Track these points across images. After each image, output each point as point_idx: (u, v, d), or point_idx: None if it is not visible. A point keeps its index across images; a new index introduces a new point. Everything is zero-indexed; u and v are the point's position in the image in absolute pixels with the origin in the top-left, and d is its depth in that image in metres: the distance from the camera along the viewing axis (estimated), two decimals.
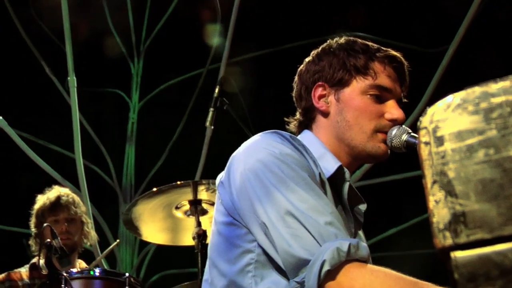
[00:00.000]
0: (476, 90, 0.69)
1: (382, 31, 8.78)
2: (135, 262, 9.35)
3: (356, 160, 1.83)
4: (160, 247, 8.15)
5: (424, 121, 0.71)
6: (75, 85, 5.94)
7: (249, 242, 1.62)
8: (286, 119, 1.96)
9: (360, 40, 1.89)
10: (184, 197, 3.42)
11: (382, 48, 1.87)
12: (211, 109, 3.71)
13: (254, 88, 7.64)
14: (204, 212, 3.47)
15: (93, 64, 9.35)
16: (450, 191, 0.67)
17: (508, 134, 0.67)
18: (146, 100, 10.27)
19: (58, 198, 3.90)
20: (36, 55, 8.88)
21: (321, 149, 1.79)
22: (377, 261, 1.52)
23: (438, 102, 0.71)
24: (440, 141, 0.69)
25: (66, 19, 5.85)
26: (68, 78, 5.97)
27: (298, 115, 1.92)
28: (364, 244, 1.48)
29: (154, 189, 3.36)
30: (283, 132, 1.72)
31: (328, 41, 1.92)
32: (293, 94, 1.95)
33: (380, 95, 1.81)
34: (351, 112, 1.79)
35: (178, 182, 3.34)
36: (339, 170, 1.76)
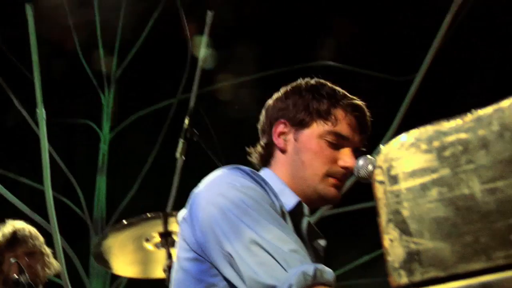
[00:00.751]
0: (429, 129, 0.71)
1: (352, 61, 8.88)
2: None
3: (309, 200, 1.86)
4: (131, 280, 8.06)
5: (379, 160, 0.72)
6: (44, 117, 5.90)
7: (213, 276, 1.63)
8: (247, 149, 1.99)
9: (329, 85, 1.93)
10: (154, 229, 3.39)
11: (348, 95, 1.91)
12: (181, 140, 3.71)
13: (226, 118, 7.64)
14: (175, 244, 3.44)
15: (63, 96, 9.30)
16: (404, 230, 0.68)
17: (460, 172, 0.68)
18: (117, 131, 10.23)
19: (14, 233, 3.79)
20: (4, 86, 8.81)
21: (280, 185, 1.83)
22: None
23: (392, 141, 0.72)
24: (394, 180, 0.70)
25: (34, 50, 5.83)
26: (37, 110, 5.93)
27: (259, 148, 1.96)
28: (329, 269, 1.51)
29: (124, 221, 3.33)
30: (243, 167, 1.75)
31: (299, 80, 1.97)
32: (258, 126, 1.99)
33: (337, 142, 1.85)
34: (307, 154, 1.84)
35: (148, 214, 3.31)
36: (298, 205, 1.80)
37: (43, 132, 5.98)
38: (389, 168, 0.71)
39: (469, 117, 0.69)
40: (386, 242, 0.69)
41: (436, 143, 0.70)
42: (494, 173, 0.67)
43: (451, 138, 0.69)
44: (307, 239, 1.82)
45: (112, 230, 3.37)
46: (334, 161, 1.84)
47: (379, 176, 0.71)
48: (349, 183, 7.09)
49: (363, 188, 1.94)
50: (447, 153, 0.69)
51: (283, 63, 8.62)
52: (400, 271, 0.67)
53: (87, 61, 10.15)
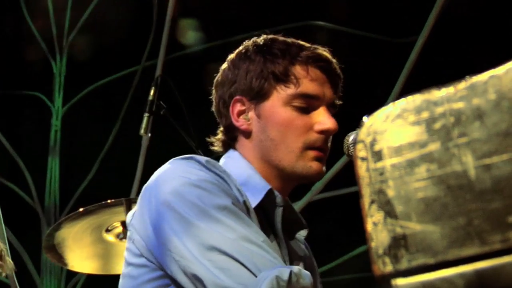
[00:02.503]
0: (417, 98, 0.73)
1: (348, 21, 8.88)
2: None
3: (288, 182, 1.84)
4: (90, 277, 8.09)
5: (361, 133, 0.74)
6: None
7: (164, 286, 1.64)
8: (208, 139, 1.95)
9: (280, 39, 1.88)
10: (116, 218, 3.41)
11: (305, 45, 1.86)
12: (146, 114, 3.72)
13: (198, 88, 7.61)
14: None
15: (9, 64, 9.24)
16: (389, 212, 0.71)
17: (452, 147, 0.70)
18: (71, 104, 10.18)
19: None
20: None
21: (248, 170, 1.80)
22: (345, 285, 1.56)
23: (376, 112, 0.74)
24: (378, 156, 0.72)
25: None
26: None
27: (220, 134, 1.93)
28: (306, 272, 1.50)
29: (81, 209, 3.34)
30: (199, 157, 1.72)
31: (245, 42, 1.92)
32: (213, 109, 1.95)
33: (306, 104, 1.80)
34: (275, 129, 1.79)
35: (109, 201, 3.33)
36: (269, 194, 1.77)
37: None
38: (373, 143, 0.73)
39: (462, 84, 0.71)
40: (369, 226, 0.71)
41: (425, 114, 0.72)
42: (489, 147, 0.69)
43: (442, 109, 0.71)
44: (281, 233, 1.79)
45: (66, 219, 3.38)
46: (309, 127, 1.79)
47: (361, 151, 0.73)
48: (339, 164, 7.14)
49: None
50: (437, 125, 0.71)
51: (266, 24, 8.60)
52: (384, 258, 0.69)
53: (36, 24, 10.06)
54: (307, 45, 1.86)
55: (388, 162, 0.72)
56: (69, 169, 9.91)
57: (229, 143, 1.89)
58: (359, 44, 8.77)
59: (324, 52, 1.86)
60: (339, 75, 1.87)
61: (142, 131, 3.73)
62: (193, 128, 3.92)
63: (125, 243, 3.39)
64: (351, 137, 1.83)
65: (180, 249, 1.56)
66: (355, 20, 8.73)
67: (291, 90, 1.78)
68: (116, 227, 3.47)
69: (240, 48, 1.91)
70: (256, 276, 1.47)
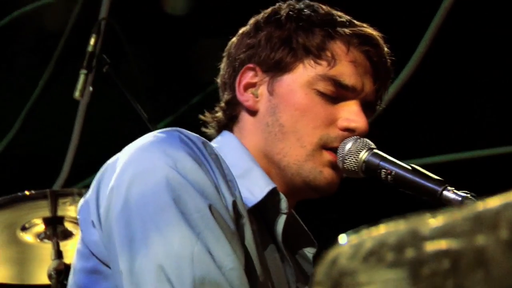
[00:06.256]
0: (401, 228, 0.69)
1: None
2: None
3: (292, 187, 1.85)
4: None
5: (319, 272, 0.70)
6: None
7: None
8: (202, 117, 1.97)
9: (324, 8, 1.90)
10: (36, 214, 3.42)
11: (355, 22, 1.89)
12: (83, 71, 3.68)
13: (159, 40, 7.52)
14: (67, 235, 3.49)
15: None
16: None
17: None
18: None
19: None
20: None
21: (247, 161, 1.82)
22: None
23: (340, 245, 0.71)
24: None
25: None
26: None
27: (218, 112, 1.95)
28: None
29: None
30: (188, 132, 1.70)
31: (277, 4, 1.94)
32: (218, 80, 1.98)
33: (335, 93, 1.82)
34: (289, 112, 1.81)
35: (27, 192, 3.32)
36: (272, 195, 1.78)
37: None
38: None
39: (463, 211, 0.68)
40: None
41: (410, 253, 0.68)
42: None
43: (433, 246, 0.68)
44: (282, 246, 1.79)
45: None
46: (332, 121, 1.82)
47: None
48: None
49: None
50: (425, 270, 0.68)
51: None
52: None
53: None
54: (357, 22, 1.87)
55: None
56: None
57: (226, 124, 1.91)
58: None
59: (376, 34, 1.88)
60: (388, 69, 1.91)
61: (77, 93, 3.69)
62: (146, 94, 3.90)
63: (48, 245, 3.42)
64: (347, 145, 1.83)
65: (124, 259, 1.55)
66: None
67: (321, 68, 1.81)
68: (37, 224, 3.46)
69: (269, 9, 1.92)
70: None
